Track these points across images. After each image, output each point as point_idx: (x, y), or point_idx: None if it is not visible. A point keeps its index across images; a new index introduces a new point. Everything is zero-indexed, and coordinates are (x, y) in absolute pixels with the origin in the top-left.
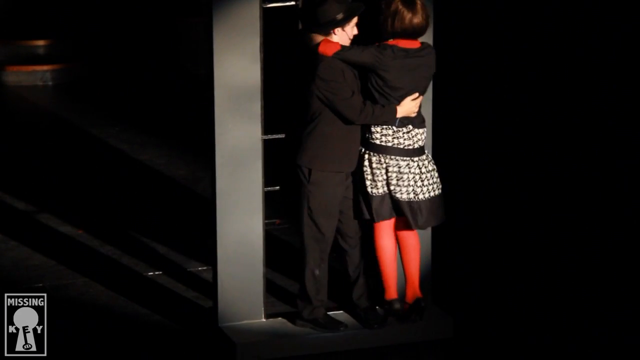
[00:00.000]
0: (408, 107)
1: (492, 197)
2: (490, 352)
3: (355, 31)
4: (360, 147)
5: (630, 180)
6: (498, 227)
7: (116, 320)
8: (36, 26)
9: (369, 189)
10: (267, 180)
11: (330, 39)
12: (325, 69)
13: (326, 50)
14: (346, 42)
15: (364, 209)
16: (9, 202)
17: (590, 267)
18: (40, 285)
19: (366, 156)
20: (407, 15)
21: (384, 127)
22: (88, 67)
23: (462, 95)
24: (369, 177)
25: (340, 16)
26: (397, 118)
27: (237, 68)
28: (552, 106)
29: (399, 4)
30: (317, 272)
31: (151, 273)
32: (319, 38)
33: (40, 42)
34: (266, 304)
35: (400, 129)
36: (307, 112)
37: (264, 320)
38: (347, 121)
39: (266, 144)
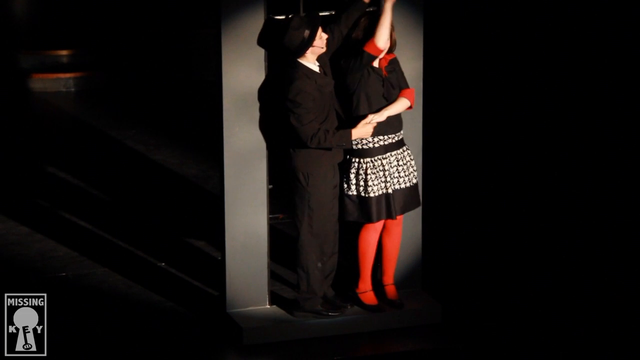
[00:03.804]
0: (364, 130)
1: (481, 190)
2: (476, 336)
3: (324, 37)
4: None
5: (616, 176)
6: (486, 218)
7: (133, 306)
8: (60, 37)
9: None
10: (271, 178)
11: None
12: (297, 94)
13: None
14: (319, 51)
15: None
16: (35, 198)
17: (574, 254)
18: (64, 274)
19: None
20: None
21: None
22: (107, 75)
23: (457, 94)
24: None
25: (306, 34)
26: (352, 140)
27: (244, 76)
28: (547, 105)
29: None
30: (319, 264)
31: (164, 263)
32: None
33: (64, 52)
34: (270, 291)
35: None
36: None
37: (268, 306)
38: (301, 141)
39: (270, 145)
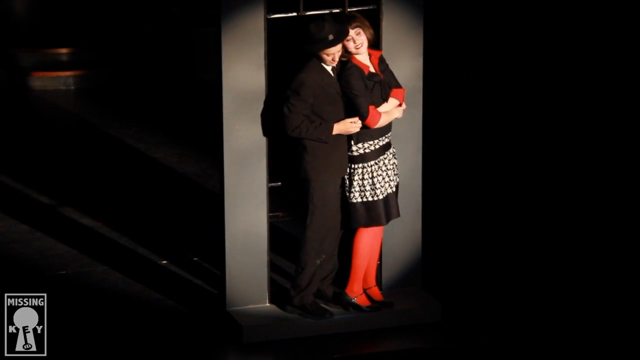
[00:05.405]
0: (345, 126)
1: (481, 189)
2: (476, 336)
3: (337, 59)
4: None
5: (616, 176)
6: (486, 218)
7: (133, 305)
8: (60, 35)
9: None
10: (271, 176)
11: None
12: (300, 84)
13: (373, 122)
14: (324, 63)
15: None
16: (35, 196)
17: (575, 254)
18: (64, 272)
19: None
20: None
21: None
22: (107, 73)
23: (457, 93)
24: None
25: (330, 37)
26: (331, 134)
27: (244, 74)
28: (548, 104)
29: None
30: (318, 262)
31: (165, 261)
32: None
33: (64, 50)
34: (270, 289)
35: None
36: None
37: (268, 304)
38: (284, 129)
39: (270, 143)
